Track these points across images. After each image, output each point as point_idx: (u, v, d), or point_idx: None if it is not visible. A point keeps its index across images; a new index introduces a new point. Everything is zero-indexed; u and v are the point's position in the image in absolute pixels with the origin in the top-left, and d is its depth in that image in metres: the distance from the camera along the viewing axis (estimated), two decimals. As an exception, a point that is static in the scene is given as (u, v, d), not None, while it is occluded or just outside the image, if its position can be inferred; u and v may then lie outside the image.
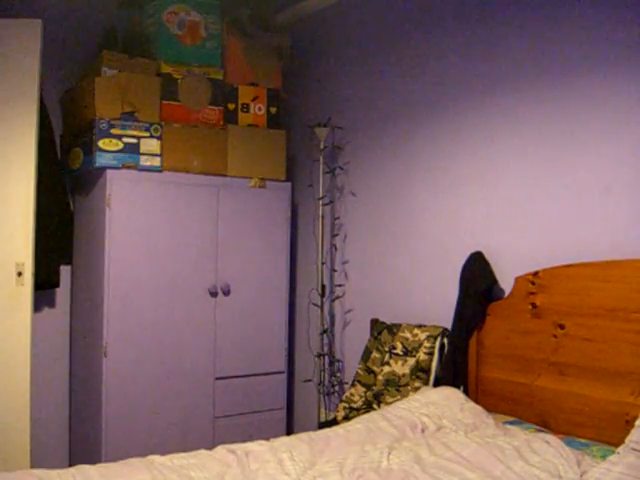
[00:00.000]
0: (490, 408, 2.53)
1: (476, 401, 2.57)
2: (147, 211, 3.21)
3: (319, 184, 3.52)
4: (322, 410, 3.51)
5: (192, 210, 3.34)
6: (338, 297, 3.58)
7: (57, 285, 3.36)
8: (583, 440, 2.18)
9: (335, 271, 3.61)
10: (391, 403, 2.70)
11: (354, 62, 3.58)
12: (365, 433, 2.22)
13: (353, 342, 3.43)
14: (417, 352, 2.83)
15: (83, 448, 3.35)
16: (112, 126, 3.08)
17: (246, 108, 3.57)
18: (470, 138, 2.90)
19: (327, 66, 3.76)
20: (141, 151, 3.17)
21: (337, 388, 3.51)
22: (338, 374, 3.53)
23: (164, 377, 3.25)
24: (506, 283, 2.66)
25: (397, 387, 2.83)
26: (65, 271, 3.46)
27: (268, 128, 3.62)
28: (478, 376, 2.70)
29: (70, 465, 2.99)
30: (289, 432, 3.59)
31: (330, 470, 1.93)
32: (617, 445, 1.86)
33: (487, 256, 2.72)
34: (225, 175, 3.46)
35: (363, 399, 2.95)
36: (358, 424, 2.33)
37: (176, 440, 3.19)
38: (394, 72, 3.31)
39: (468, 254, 2.76)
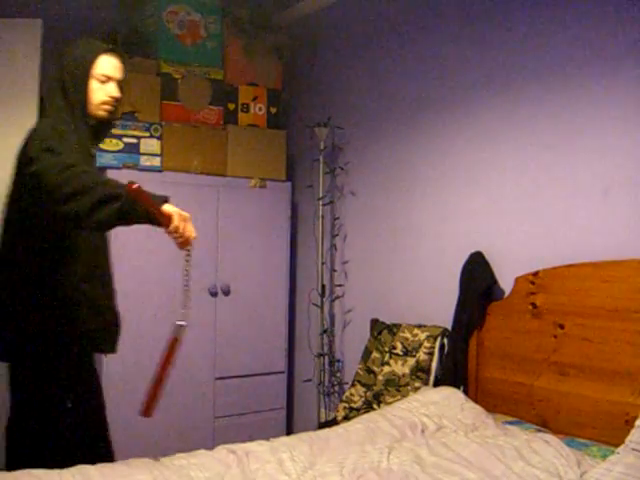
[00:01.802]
0: (490, 408, 2.53)
1: (476, 401, 2.57)
2: (147, 211, 3.20)
3: (319, 184, 3.52)
4: (322, 410, 3.51)
5: (192, 210, 3.29)
6: (338, 297, 3.58)
7: (57, 285, 3.36)
8: (583, 440, 2.18)
9: (335, 271, 3.61)
10: (391, 403, 2.70)
11: (354, 62, 3.58)
12: (365, 433, 2.22)
13: (353, 342, 3.43)
14: (417, 352, 2.83)
15: (83, 448, 3.35)
16: (112, 126, 3.08)
17: (246, 108, 3.57)
18: (470, 138, 2.90)
19: (327, 66, 3.76)
20: (141, 151, 3.17)
21: (337, 388, 3.51)
22: (338, 374, 3.53)
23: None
24: (506, 283, 2.66)
25: (397, 387, 2.83)
26: (65, 271, 3.46)
27: (268, 128, 3.62)
28: (478, 376, 2.70)
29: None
30: (289, 432, 3.59)
31: (330, 470, 1.93)
32: (617, 445, 1.86)
33: (487, 256, 2.72)
34: (225, 175, 3.46)
35: (363, 399, 2.95)
36: (358, 424, 2.33)
37: (176, 440, 3.19)
38: (394, 72, 3.31)
39: (468, 254, 2.76)
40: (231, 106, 3.53)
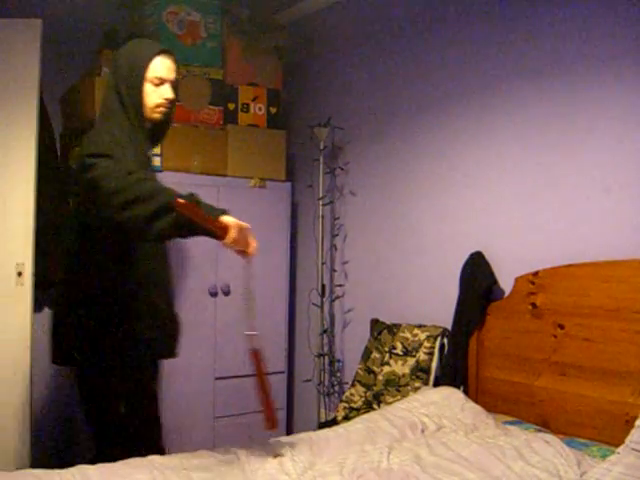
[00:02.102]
0: (490, 408, 2.53)
1: (476, 401, 2.57)
2: (147, 211, 3.20)
3: (319, 184, 3.51)
4: (322, 410, 3.51)
5: (192, 210, 3.33)
6: (338, 297, 3.58)
7: (57, 285, 3.36)
8: (583, 440, 2.18)
9: (335, 271, 3.61)
10: (391, 403, 2.70)
11: (354, 62, 3.58)
12: (365, 433, 2.22)
13: (353, 342, 3.43)
14: (417, 352, 2.83)
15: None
16: (112, 126, 3.08)
17: (246, 108, 3.57)
18: (471, 138, 2.90)
19: (327, 66, 3.76)
20: (141, 151, 3.16)
21: (337, 388, 3.51)
22: (338, 374, 3.53)
23: (164, 377, 3.24)
24: (506, 283, 2.66)
25: (397, 387, 2.83)
26: (65, 271, 3.46)
27: (268, 128, 3.61)
28: (478, 376, 2.70)
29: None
30: (289, 432, 3.59)
31: (330, 470, 1.93)
32: (617, 445, 1.86)
33: (487, 256, 2.72)
34: (225, 175, 3.46)
35: (363, 399, 2.94)
36: (358, 424, 2.33)
37: (176, 440, 3.19)
38: (394, 72, 3.31)
39: (468, 254, 2.76)
40: (231, 106, 3.53)
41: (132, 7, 3.46)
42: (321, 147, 3.48)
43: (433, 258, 3.05)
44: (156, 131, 2.28)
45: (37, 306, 3.07)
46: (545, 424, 2.39)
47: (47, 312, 3.48)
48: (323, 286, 3.51)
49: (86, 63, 3.41)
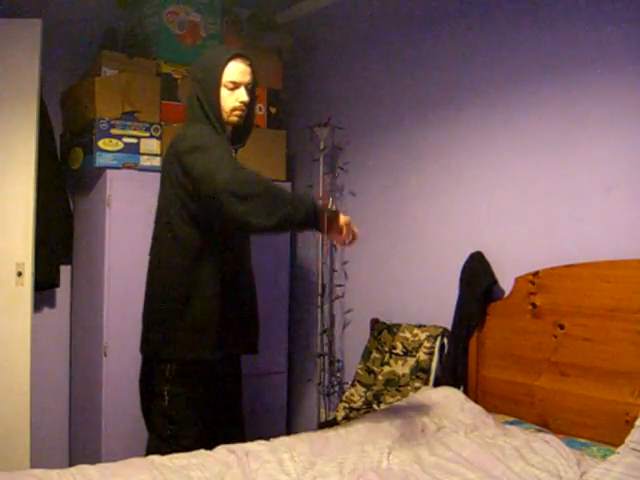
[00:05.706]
0: (490, 408, 2.53)
1: (476, 401, 2.57)
2: (147, 211, 3.19)
3: (319, 184, 3.51)
4: (322, 410, 3.51)
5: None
6: (338, 297, 3.57)
7: (57, 285, 3.36)
8: (583, 440, 2.18)
9: (335, 271, 3.61)
10: (391, 403, 2.70)
11: (354, 62, 3.57)
12: (365, 433, 2.22)
13: (353, 342, 3.43)
14: (417, 352, 2.83)
15: (83, 448, 3.35)
16: (112, 126, 3.08)
17: (246, 108, 3.57)
18: (471, 138, 2.90)
19: (327, 66, 3.76)
20: (141, 151, 3.17)
21: (337, 388, 3.51)
22: (338, 374, 3.53)
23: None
24: (506, 283, 2.66)
25: (397, 387, 2.83)
26: (65, 271, 3.46)
27: (268, 128, 3.61)
28: (478, 376, 2.70)
29: (70, 465, 2.99)
30: (289, 432, 3.59)
31: (330, 470, 1.93)
32: (617, 445, 1.86)
33: (487, 256, 2.72)
34: (225, 175, 3.45)
35: (363, 399, 2.94)
36: (358, 424, 2.33)
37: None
38: (394, 72, 3.31)
39: (468, 254, 2.76)
40: (231, 106, 3.52)
41: (132, 7, 3.46)
42: (321, 147, 3.48)
43: (433, 258, 3.05)
44: (238, 134, 2.37)
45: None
46: (545, 424, 2.39)
47: (47, 312, 3.48)
48: (323, 286, 3.51)
49: (86, 63, 3.41)
